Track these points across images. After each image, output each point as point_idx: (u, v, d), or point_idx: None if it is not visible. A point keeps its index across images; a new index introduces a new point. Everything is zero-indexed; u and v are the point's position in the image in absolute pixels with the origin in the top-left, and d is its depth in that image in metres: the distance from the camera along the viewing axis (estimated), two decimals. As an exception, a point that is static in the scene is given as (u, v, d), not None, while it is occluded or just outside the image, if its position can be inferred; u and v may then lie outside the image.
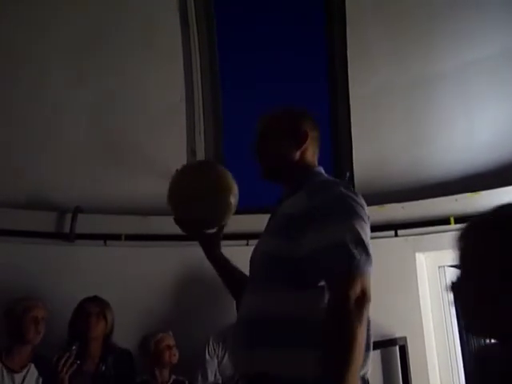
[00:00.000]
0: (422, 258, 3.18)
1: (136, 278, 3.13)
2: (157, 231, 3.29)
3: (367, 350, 1.32)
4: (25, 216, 3.23)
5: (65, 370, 2.48)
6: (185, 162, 3.44)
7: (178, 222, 1.74)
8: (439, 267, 3.18)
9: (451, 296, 0.92)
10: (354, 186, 3.26)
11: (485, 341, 0.97)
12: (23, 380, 2.59)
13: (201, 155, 3.64)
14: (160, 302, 3.18)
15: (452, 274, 3.04)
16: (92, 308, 2.81)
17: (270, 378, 1.31)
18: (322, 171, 1.59)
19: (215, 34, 3.74)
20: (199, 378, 2.90)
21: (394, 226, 3.19)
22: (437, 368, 3.06)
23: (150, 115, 3.56)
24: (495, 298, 0.83)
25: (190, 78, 3.65)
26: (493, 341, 0.90)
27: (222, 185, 1.73)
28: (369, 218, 1.41)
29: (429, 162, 3.44)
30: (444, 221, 3.08)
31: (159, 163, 3.47)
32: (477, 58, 3.28)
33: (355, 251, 1.27)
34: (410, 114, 3.51)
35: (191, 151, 3.62)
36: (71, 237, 3.25)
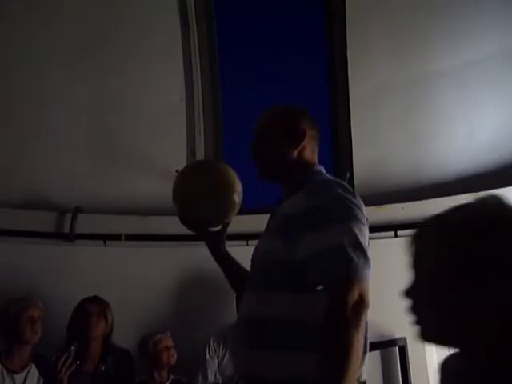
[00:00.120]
0: (421, 259, 3.17)
1: (136, 278, 3.13)
2: (157, 231, 3.29)
3: (363, 352, 1.31)
4: (25, 216, 3.23)
5: (64, 370, 2.48)
6: (184, 162, 3.45)
7: (182, 221, 1.76)
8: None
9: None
10: (353, 187, 3.26)
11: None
12: (24, 381, 2.58)
13: (201, 155, 3.64)
14: (160, 302, 3.18)
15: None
16: (92, 308, 2.81)
17: (269, 380, 1.31)
18: (323, 170, 1.58)
19: (215, 34, 3.74)
20: (199, 378, 2.90)
21: (394, 227, 3.18)
22: (437, 368, 3.05)
23: (149, 115, 3.56)
24: (445, 304, 0.82)
25: (190, 78, 3.64)
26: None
27: (223, 183, 1.73)
28: (367, 219, 1.41)
29: (429, 163, 3.44)
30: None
31: (159, 163, 3.47)
32: (476, 56, 3.28)
33: (353, 255, 1.26)
34: (409, 113, 3.50)
35: (191, 151, 3.62)
36: (71, 237, 3.25)
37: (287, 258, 1.36)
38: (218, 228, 1.79)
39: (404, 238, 0.91)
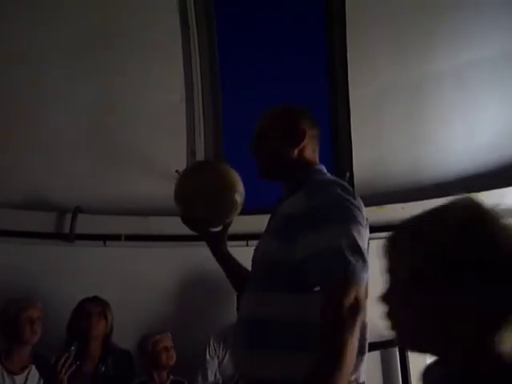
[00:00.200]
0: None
1: (136, 279, 3.13)
2: (156, 232, 3.29)
3: (361, 353, 1.31)
4: (24, 216, 3.23)
5: (64, 370, 2.48)
6: (185, 163, 3.45)
7: (183, 221, 1.77)
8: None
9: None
10: (353, 187, 3.25)
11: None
12: (24, 382, 2.58)
13: (201, 155, 3.64)
14: (160, 302, 3.18)
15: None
16: (93, 308, 2.81)
17: (269, 380, 1.30)
18: (324, 169, 1.58)
19: (215, 35, 3.74)
20: (199, 378, 2.90)
21: (394, 227, 3.17)
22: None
23: (149, 115, 3.56)
24: (421, 308, 0.81)
25: (190, 78, 3.64)
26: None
27: (225, 184, 1.73)
28: (367, 219, 1.41)
29: (429, 163, 3.44)
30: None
31: (159, 163, 3.47)
32: (477, 58, 3.28)
33: (351, 258, 1.26)
34: (409, 114, 3.50)
35: (191, 151, 3.61)
36: (71, 237, 3.25)
37: (286, 259, 1.36)
38: (220, 228, 1.80)
39: (379, 241, 0.91)
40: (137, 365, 2.89)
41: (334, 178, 1.54)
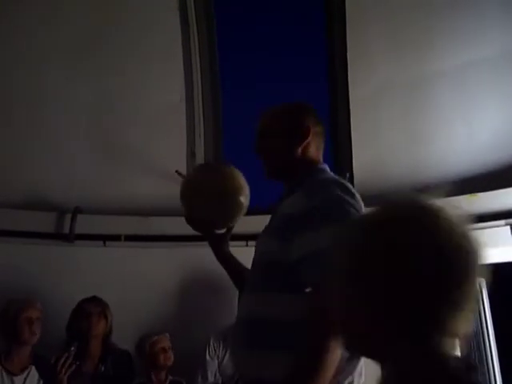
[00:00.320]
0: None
1: (135, 279, 3.13)
2: (156, 232, 3.29)
3: (355, 357, 1.31)
4: (24, 216, 3.23)
5: (63, 370, 2.48)
6: (184, 163, 3.46)
7: (188, 221, 1.78)
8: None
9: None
10: (353, 187, 3.25)
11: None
12: (23, 383, 2.58)
13: (200, 155, 3.64)
14: (160, 302, 3.17)
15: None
16: (92, 308, 2.82)
17: (269, 380, 1.30)
18: (326, 168, 1.57)
19: (215, 34, 3.74)
20: (199, 378, 2.89)
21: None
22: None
23: (149, 115, 3.56)
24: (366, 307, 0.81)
25: (190, 78, 3.64)
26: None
27: (231, 186, 1.74)
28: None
29: (428, 163, 3.43)
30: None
31: (159, 164, 3.47)
32: (476, 57, 3.27)
33: None
34: (409, 114, 3.50)
35: (191, 152, 3.61)
36: (71, 237, 3.25)
37: (283, 260, 1.36)
38: (223, 230, 1.80)
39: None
40: (137, 365, 2.89)
41: (334, 177, 1.53)
